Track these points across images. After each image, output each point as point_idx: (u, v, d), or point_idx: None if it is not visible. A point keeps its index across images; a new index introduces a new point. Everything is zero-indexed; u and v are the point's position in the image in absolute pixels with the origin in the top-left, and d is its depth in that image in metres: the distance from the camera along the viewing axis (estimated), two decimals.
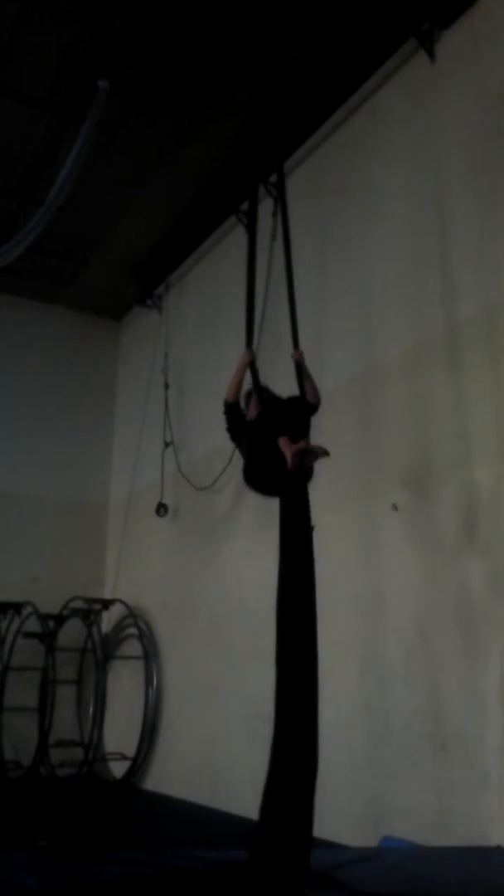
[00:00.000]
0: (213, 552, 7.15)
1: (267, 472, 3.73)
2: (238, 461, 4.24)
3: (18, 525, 8.84)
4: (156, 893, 2.81)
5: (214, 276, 7.85)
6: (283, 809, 3.05)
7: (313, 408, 4.08)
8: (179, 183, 7.28)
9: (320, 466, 5.73)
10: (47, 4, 5.45)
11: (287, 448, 3.61)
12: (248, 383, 4.09)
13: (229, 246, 7.57)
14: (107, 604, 8.63)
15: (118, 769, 8.10)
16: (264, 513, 6.08)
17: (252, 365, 4.06)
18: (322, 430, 5.92)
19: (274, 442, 3.67)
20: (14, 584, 8.35)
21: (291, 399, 4.09)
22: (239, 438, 4.05)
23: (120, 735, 8.25)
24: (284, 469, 3.58)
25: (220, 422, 4.23)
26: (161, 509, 7.91)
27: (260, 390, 3.99)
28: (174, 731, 7.55)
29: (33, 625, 8.20)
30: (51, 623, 8.24)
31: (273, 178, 5.26)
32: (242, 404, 4.07)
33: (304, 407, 4.03)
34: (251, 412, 3.98)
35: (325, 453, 3.64)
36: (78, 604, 8.43)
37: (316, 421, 5.94)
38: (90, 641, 8.54)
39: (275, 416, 3.88)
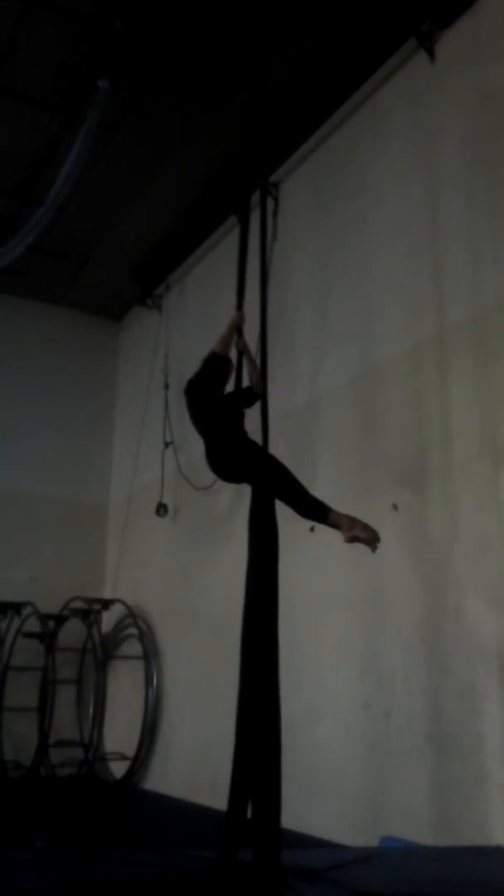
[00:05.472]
0: (213, 552, 7.14)
1: (230, 460, 3.97)
2: None
3: (18, 525, 8.84)
4: (156, 893, 2.80)
5: (214, 276, 7.84)
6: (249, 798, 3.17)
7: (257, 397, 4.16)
8: (179, 183, 7.27)
9: (320, 467, 5.76)
10: (47, 4, 5.45)
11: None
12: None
13: (229, 246, 7.54)
14: (107, 604, 8.64)
15: (118, 769, 8.10)
16: None
17: (240, 330, 4.18)
18: (323, 431, 5.98)
19: (235, 430, 3.91)
20: (14, 584, 8.35)
21: (244, 389, 4.21)
22: (201, 395, 4.06)
23: (120, 735, 8.25)
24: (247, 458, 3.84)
25: None
26: (161, 509, 7.92)
27: (233, 365, 4.13)
28: (174, 731, 7.55)
29: (33, 625, 8.21)
30: (51, 623, 8.25)
31: (272, 178, 5.26)
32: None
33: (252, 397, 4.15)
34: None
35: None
36: (78, 604, 8.43)
37: (317, 421, 5.99)
38: (90, 641, 8.55)
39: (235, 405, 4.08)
